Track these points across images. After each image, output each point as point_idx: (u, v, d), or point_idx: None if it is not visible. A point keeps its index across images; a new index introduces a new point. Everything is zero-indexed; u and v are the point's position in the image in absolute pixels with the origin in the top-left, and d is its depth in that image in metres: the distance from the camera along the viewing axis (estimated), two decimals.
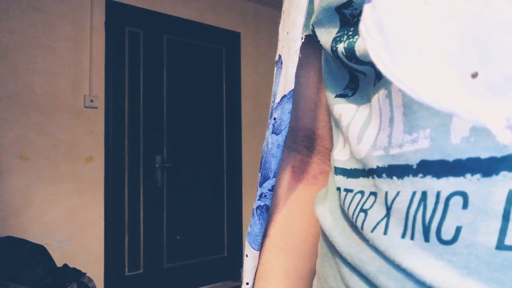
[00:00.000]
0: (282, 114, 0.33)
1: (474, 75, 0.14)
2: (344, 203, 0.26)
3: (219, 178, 2.69)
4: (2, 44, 1.94)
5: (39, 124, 2.02)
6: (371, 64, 0.24)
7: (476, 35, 0.14)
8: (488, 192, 0.16)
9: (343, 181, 0.27)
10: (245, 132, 2.79)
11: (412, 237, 0.19)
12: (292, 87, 0.32)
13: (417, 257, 0.19)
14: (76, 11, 2.14)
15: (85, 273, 1.90)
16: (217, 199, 2.67)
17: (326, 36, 0.28)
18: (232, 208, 2.73)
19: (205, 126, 2.63)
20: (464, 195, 0.17)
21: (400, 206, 0.20)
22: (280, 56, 0.35)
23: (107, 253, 2.19)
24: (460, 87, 0.14)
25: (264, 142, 0.37)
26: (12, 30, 1.97)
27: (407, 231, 0.19)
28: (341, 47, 0.26)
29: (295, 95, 0.36)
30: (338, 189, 0.28)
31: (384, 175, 0.21)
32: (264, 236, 0.38)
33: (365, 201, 0.24)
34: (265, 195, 0.36)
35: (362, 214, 0.23)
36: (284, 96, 0.33)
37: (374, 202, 0.23)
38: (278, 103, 0.34)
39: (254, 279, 0.39)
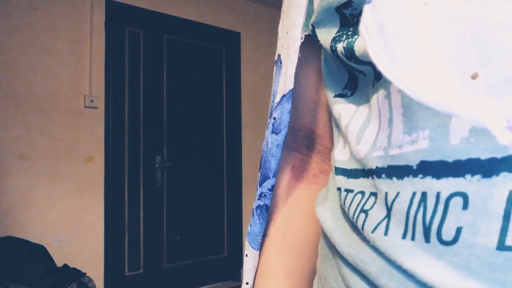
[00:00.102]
0: (282, 114, 0.33)
1: (474, 76, 0.14)
2: (344, 203, 0.26)
3: (219, 178, 2.69)
4: (2, 44, 1.94)
5: (40, 124, 2.02)
6: (370, 64, 0.24)
7: (475, 35, 0.14)
8: (489, 193, 0.16)
9: (343, 181, 0.27)
10: (245, 132, 2.79)
11: (412, 238, 0.19)
12: (292, 86, 0.32)
13: (418, 258, 0.19)
14: (76, 11, 2.14)
15: (85, 273, 1.91)
16: (217, 199, 2.67)
17: (326, 36, 0.28)
18: (232, 208, 2.73)
19: (205, 126, 2.63)
20: (464, 195, 0.17)
21: (400, 206, 0.20)
22: (279, 55, 0.35)
23: (107, 253, 2.19)
24: (460, 88, 0.14)
25: (263, 142, 0.37)
26: (12, 30, 1.97)
27: (407, 232, 0.19)
28: (340, 47, 0.26)
29: (294, 95, 0.36)
30: (339, 189, 0.28)
31: (383, 175, 0.21)
32: (264, 235, 0.38)
33: (366, 202, 0.24)
34: (265, 195, 0.36)
35: (362, 215, 0.23)
36: (284, 95, 0.33)
37: (375, 202, 0.23)
38: (278, 102, 0.34)
39: (254, 278, 0.39)
